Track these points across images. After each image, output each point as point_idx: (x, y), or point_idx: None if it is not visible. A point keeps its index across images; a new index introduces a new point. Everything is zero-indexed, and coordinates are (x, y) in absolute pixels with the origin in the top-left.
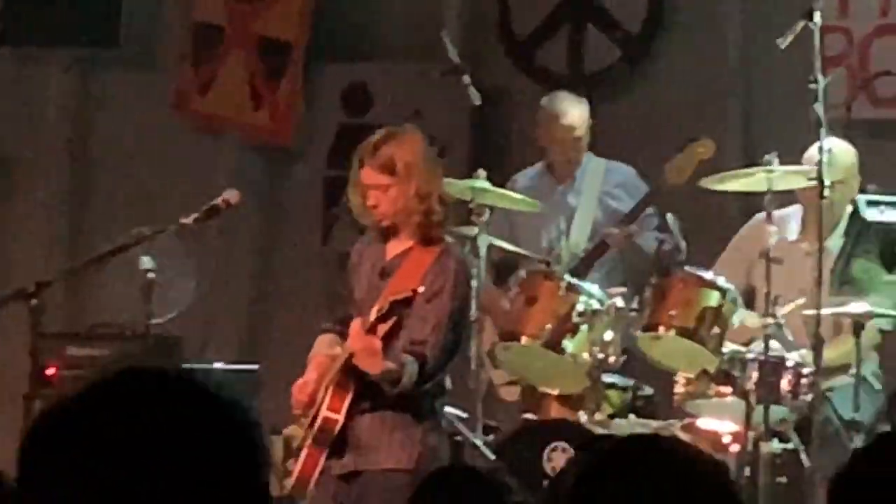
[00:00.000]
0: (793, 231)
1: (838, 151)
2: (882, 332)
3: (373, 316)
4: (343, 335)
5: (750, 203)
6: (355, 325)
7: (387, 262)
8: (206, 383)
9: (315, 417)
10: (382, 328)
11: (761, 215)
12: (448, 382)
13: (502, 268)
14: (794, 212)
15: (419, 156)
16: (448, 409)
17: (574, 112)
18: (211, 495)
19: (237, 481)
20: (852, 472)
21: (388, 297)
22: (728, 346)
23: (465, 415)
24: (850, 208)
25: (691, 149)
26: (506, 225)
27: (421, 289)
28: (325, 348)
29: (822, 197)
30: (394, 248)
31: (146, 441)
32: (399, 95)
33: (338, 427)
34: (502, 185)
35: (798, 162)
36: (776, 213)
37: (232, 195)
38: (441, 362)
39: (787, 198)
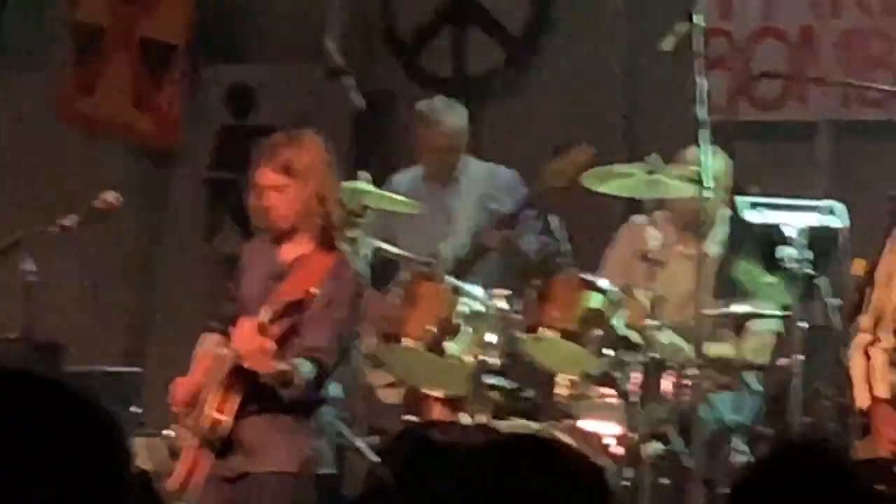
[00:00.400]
0: (672, 235)
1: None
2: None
3: (265, 317)
4: (228, 335)
5: (632, 205)
6: (245, 325)
7: (280, 265)
8: (69, 385)
9: (201, 419)
10: (275, 329)
11: (636, 218)
12: (338, 390)
13: (379, 270)
14: (663, 216)
15: (318, 158)
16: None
17: (450, 118)
18: (70, 493)
19: (95, 480)
20: (753, 480)
21: (284, 298)
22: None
23: (347, 416)
24: (726, 212)
25: (571, 153)
26: (386, 227)
27: (316, 291)
28: (210, 347)
29: (703, 198)
30: (288, 251)
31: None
32: (283, 98)
33: (225, 429)
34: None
35: (679, 164)
36: (659, 215)
37: (111, 196)
38: (332, 369)
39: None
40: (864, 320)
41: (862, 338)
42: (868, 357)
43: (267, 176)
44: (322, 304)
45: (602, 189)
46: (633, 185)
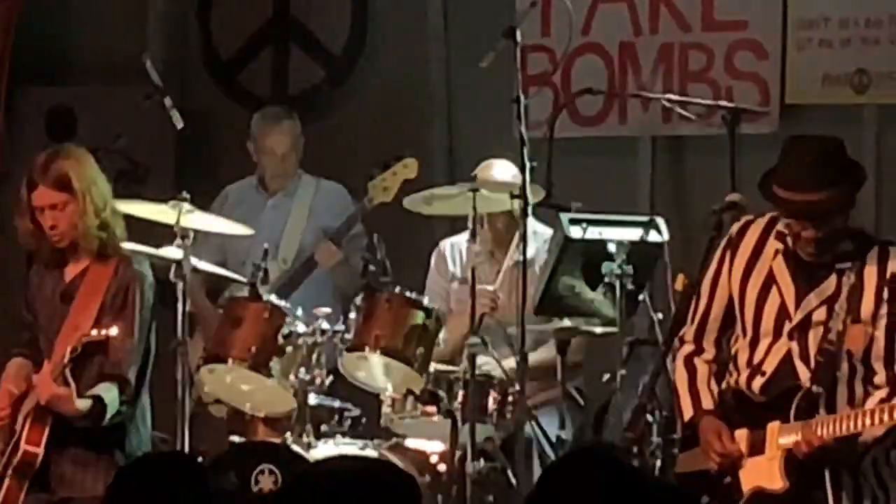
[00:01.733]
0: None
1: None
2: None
3: (66, 357)
4: (32, 358)
5: (455, 223)
6: (43, 373)
7: (66, 286)
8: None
9: (15, 450)
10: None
11: (446, 241)
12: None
13: (217, 285)
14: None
15: (91, 169)
16: (153, 432)
17: (285, 126)
18: None
19: None
20: (541, 489)
21: (82, 338)
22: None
23: (169, 437)
24: (538, 226)
25: (395, 168)
26: (218, 243)
27: (114, 331)
28: (15, 371)
29: (525, 214)
30: (72, 270)
31: None
32: (102, 119)
33: (38, 460)
34: (207, 207)
35: (501, 182)
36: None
37: None
38: (137, 377)
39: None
40: (688, 332)
41: (685, 349)
42: (692, 368)
43: (45, 195)
44: (112, 316)
45: (427, 211)
46: (456, 204)
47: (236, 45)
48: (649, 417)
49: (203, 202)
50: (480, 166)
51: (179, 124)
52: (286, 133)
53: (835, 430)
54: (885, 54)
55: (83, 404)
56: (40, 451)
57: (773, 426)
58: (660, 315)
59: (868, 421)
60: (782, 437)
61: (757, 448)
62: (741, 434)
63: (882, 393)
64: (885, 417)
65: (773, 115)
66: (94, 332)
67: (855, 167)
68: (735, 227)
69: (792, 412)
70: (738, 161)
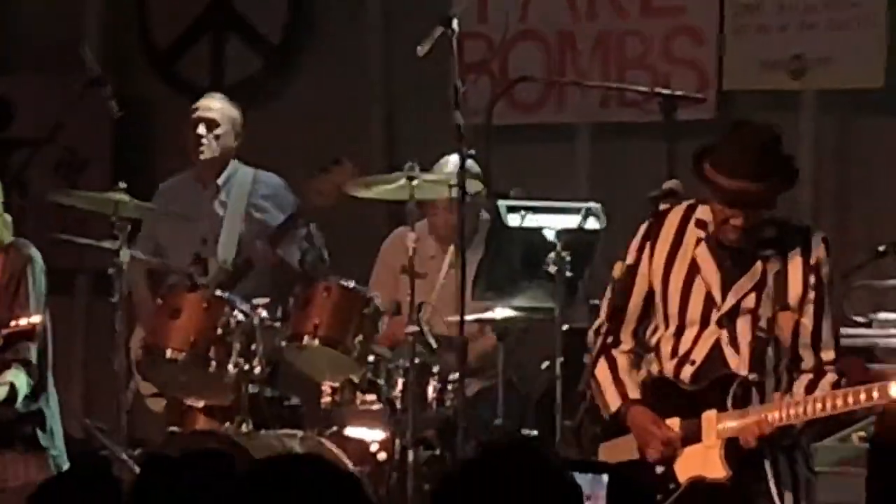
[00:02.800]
0: (431, 248)
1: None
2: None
3: None
4: None
5: (394, 211)
6: None
7: None
8: None
9: None
10: None
11: (398, 231)
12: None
13: (157, 276)
14: (424, 225)
15: None
16: (91, 422)
17: (221, 102)
18: None
19: None
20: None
21: (4, 332)
22: (373, 355)
23: (107, 428)
24: (484, 215)
25: (332, 173)
26: (154, 234)
27: (36, 318)
28: None
29: (462, 202)
30: None
31: None
32: (40, 108)
33: None
34: (145, 197)
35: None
36: (417, 225)
37: None
38: (40, 359)
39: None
40: (603, 324)
41: (602, 341)
42: (611, 359)
43: None
44: (8, 303)
45: (363, 194)
46: (395, 190)
47: (174, 34)
48: (587, 405)
49: (141, 192)
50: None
51: (117, 114)
52: (215, 112)
53: (785, 417)
54: (822, 40)
55: (1, 392)
56: None
57: (710, 415)
58: (597, 302)
59: (819, 407)
60: (722, 425)
61: (692, 437)
62: (673, 423)
63: (806, 378)
64: (839, 403)
65: (711, 102)
66: (17, 323)
67: (790, 161)
68: (651, 218)
69: (729, 400)
70: (676, 147)
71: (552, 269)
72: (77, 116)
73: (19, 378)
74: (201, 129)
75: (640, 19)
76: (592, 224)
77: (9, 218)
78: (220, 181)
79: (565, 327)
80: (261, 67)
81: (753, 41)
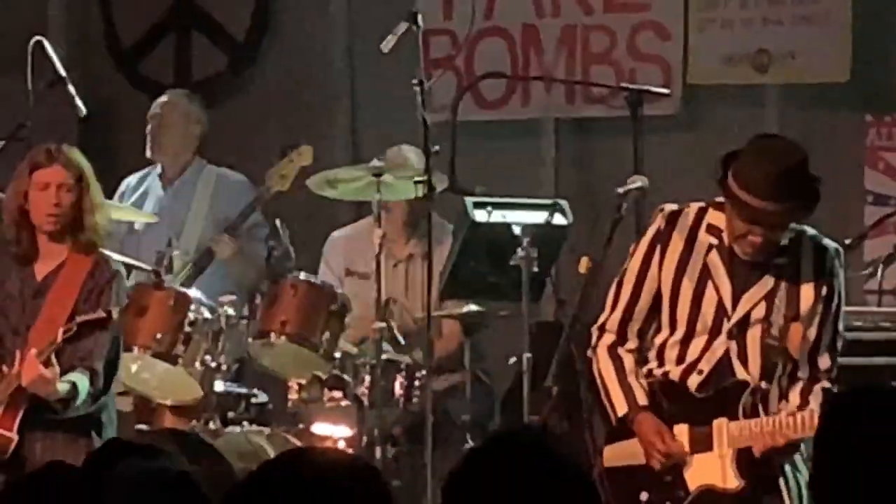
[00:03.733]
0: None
1: (412, 156)
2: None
3: (59, 338)
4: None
5: (359, 207)
6: (30, 356)
7: (39, 283)
8: None
9: None
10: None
11: (336, 234)
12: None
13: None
14: (368, 226)
15: (91, 170)
16: None
17: (184, 99)
18: None
19: None
20: (465, 470)
21: (78, 319)
22: (340, 351)
23: None
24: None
25: (291, 156)
26: (119, 232)
27: (111, 309)
28: None
29: (427, 199)
30: (43, 266)
31: None
32: (4, 108)
33: (11, 445)
34: (110, 195)
35: (403, 167)
36: (355, 226)
37: None
38: (107, 371)
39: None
40: (609, 321)
41: (606, 338)
42: (617, 359)
43: (58, 173)
44: (87, 310)
45: (329, 194)
46: (360, 189)
47: (139, 33)
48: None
49: (106, 190)
50: (390, 150)
51: (82, 112)
52: (180, 103)
53: (800, 430)
54: (786, 34)
55: (63, 388)
56: (14, 435)
57: (721, 423)
58: (563, 298)
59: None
60: (734, 434)
61: (702, 445)
62: (681, 430)
63: (800, 386)
64: None
65: (676, 97)
66: (86, 316)
67: (813, 183)
68: (662, 219)
69: (740, 409)
70: (642, 142)
71: (519, 264)
72: (41, 115)
73: (82, 382)
74: (166, 120)
75: (604, 14)
76: (559, 220)
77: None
78: (183, 178)
79: (532, 323)
80: (226, 65)
81: (718, 36)
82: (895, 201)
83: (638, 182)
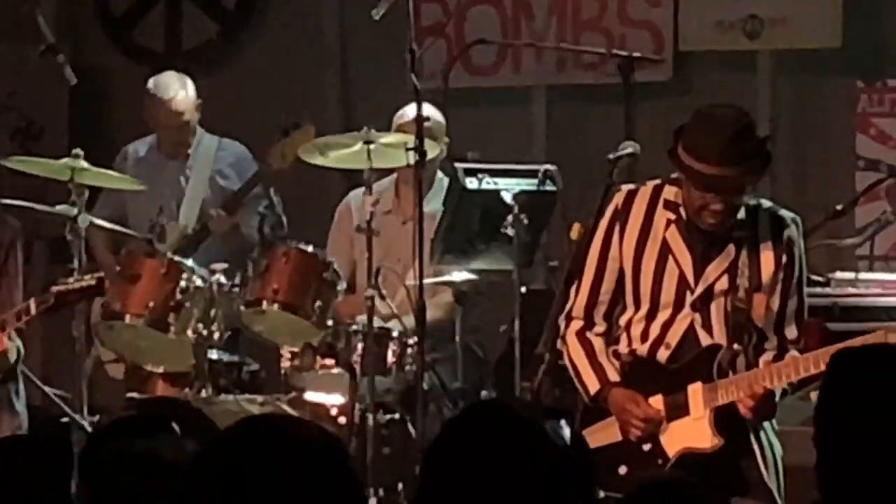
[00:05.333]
0: (388, 202)
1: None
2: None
3: (33, 311)
4: None
5: (351, 176)
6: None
7: None
8: None
9: None
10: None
11: (354, 193)
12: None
13: (119, 241)
14: (389, 184)
15: None
16: (50, 389)
17: (180, 95)
18: None
19: None
20: (445, 440)
21: (54, 290)
22: (332, 319)
23: (67, 395)
24: (439, 174)
25: (293, 134)
26: (118, 200)
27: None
28: None
29: (421, 165)
30: None
31: None
32: None
33: None
34: (102, 164)
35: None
36: (375, 186)
37: None
38: None
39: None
40: (575, 307)
41: (574, 325)
42: (587, 343)
43: None
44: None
45: (321, 162)
46: (351, 157)
47: (129, 1)
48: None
49: (98, 159)
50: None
51: (73, 81)
52: (178, 107)
53: (776, 381)
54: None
55: (13, 355)
56: None
57: (696, 387)
58: (556, 264)
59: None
60: (711, 395)
61: (679, 411)
62: (656, 400)
63: (770, 355)
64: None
65: (667, 63)
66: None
67: (764, 144)
68: (619, 198)
69: (715, 370)
70: (633, 109)
71: (510, 231)
72: (32, 84)
73: (16, 343)
74: (167, 128)
75: None
76: (550, 186)
77: None
78: (185, 151)
79: (523, 290)
80: (217, 33)
81: (709, 2)
82: (886, 167)
83: (629, 148)
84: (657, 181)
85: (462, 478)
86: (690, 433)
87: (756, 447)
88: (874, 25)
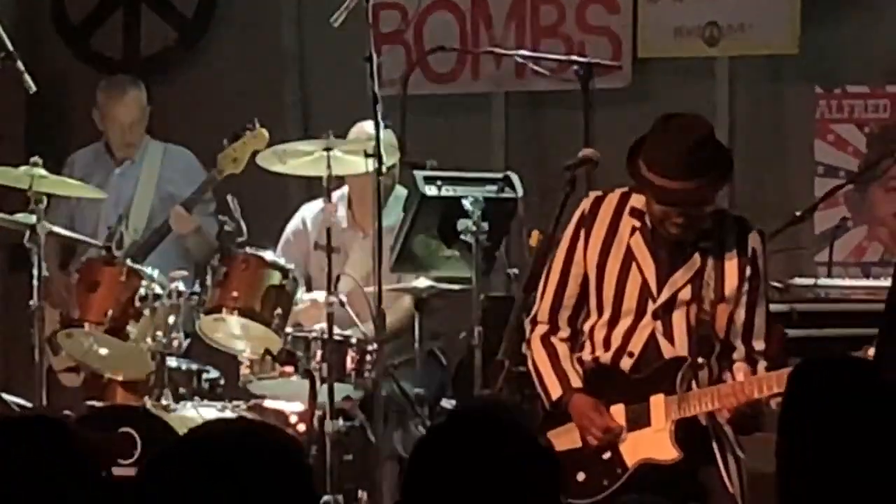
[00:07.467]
0: (342, 212)
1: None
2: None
3: None
4: None
5: (309, 183)
6: None
7: None
8: None
9: None
10: None
11: (307, 208)
12: None
13: (67, 253)
14: (338, 199)
15: None
16: (9, 397)
17: (134, 93)
18: None
19: None
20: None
21: None
22: (291, 326)
23: (28, 403)
24: (398, 188)
25: (244, 138)
26: (66, 209)
27: None
28: None
29: (379, 174)
30: None
31: None
32: None
33: None
34: (59, 171)
35: (355, 139)
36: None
37: None
38: None
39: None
40: (540, 312)
41: (539, 329)
42: (550, 348)
43: None
44: None
45: (279, 169)
46: (310, 164)
47: (87, 8)
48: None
49: (55, 167)
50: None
51: (32, 89)
52: (131, 104)
53: (740, 398)
54: (736, 6)
55: None
56: None
57: (658, 398)
58: (516, 271)
59: (765, 387)
60: (674, 407)
61: (640, 422)
62: (618, 409)
63: (743, 366)
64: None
65: (626, 70)
66: None
67: (724, 153)
68: (586, 204)
69: (678, 383)
70: (592, 116)
71: (469, 238)
72: None
73: None
74: (118, 125)
75: None
76: (509, 193)
77: None
78: (133, 155)
79: (483, 296)
80: (175, 40)
81: (668, 8)
82: (845, 173)
83: (588, 154)
84: (625, 188)
85: (446, 482)
86: (651, 445)
87: (718, 455)
88: (832, 32)
